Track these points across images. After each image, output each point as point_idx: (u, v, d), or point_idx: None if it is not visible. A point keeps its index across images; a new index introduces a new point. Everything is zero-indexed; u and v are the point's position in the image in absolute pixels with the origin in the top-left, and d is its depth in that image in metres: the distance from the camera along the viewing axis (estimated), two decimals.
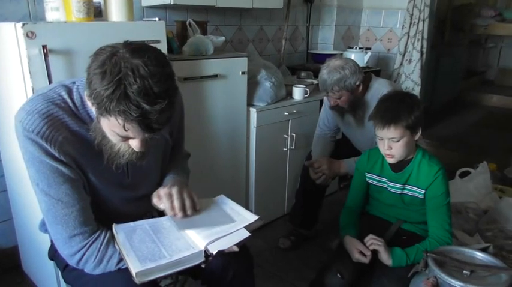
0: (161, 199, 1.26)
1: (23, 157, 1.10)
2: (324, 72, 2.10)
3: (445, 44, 5.53)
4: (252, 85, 2.57)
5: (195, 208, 1.27)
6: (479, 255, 1.47)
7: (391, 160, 1.65)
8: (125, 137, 1.06)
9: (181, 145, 1.56)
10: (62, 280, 1.42)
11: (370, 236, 1.61)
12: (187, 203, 1.25)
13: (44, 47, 1.53)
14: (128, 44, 1.02)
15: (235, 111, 2.49)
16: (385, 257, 1.56)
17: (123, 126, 0.99)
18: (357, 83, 2.11)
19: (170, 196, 1.25)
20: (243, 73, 2.46)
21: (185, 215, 1.23)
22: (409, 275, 1.50)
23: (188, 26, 2.38)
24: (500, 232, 2.29)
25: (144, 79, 0.95)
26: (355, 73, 2.09)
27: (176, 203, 1.23)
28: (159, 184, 1.37)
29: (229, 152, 2.56)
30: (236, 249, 1.18)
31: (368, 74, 2.29)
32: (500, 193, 2.79)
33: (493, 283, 1.34)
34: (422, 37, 3.66)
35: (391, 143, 1.59)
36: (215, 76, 2.30)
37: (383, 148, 1.63)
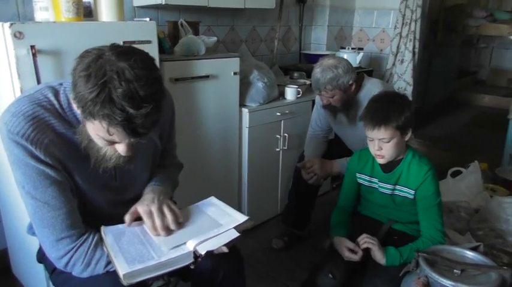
0: (133, 215, 1.23)
1: (8, 159, 1.09)
2: (317, 71, 2.10)
3: (437, 45, 5.56)
4: (245, 85, 2.57)
5: (177, 221, 1.24)
6: (470, 254, 1.48)
7: (381, 161, 1.66)
8: (111, 141, 1.05)
9: (171, 151, 1.53)
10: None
11: (364, 235, 1.61)
12: (170, 218, 1.22)
13: (32, 47, 1.52)
14: (114, 47, 1.00)
15: (227, 112, 2.49)
16: (379, 256, 1.57)
17: (108, 131, 0.98)
18: (350, 82, 2.11)
19: (150, 214, 1.22)
20: (235, 73, 2.45)
21: (169, 233, 1.20)
22: (401, 275, 1.50)
23: (180, 26, 2.37)
24: (491, 231, 2.30)
25: (130, 83, 0.93)
26: (348, 72, 2.09)
27: (158, 222, 1.20)
28: None
29: (221, 152, 2.55)
30: (225, 250, 1.17)
31: (361, 73, 2.29)
32: (491, 192, 2.80)
33: (483, 281, 1.34)
34: (415, 37, 3.68)
35: (381, 143, 1.59)
36: (207, 77, 2.29)
37: (373, 148, 1.63)
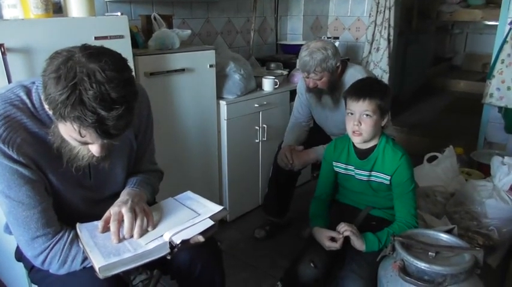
0: (106, 222, 1.19)
1: None
2: (305, 54, 2.10)
3: (412, 32, 5.61)
4: (221, 78, 2.57)
5: (148, 224, 1.21)
6: (444, 237, 1.52)
7: (357, 139, 1.68)
8: (83, 142, 1.05)
9: (150, 156, 1.51)
10: None
11: (343, 223, 1.64)
12: (140, 219, 1.18)
13: (1, 45, 1.49)
14: (85, 48, 1.00)
15: (204, 105, 2.48)
16: (358, 244, 1.59)
17: (79, 132, 0.98)
18: (338, 64, 2.14)
19: (119, 215, 1.18)
20: (211, 66, 2.44)
21: (131, 237, 1.17)
22: (378, 259, 1.53)
23: (153, 20, 2.35)
24: (466, 213, 2.36)
25: (101, 84, 0.93)
26: (336, 54, 2.13)
27: (126, 223, 1.16)
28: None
29: (200, 146, 2.55)
30: (202, 239, 1.17)
31: (344, 59, 2.32)
32: (467, 176, 2.86)
33: (457, 263, 1.38)
34: (389, 25, 3.70)
35: (361, 118, 1.62)
36: (182, 70, 2.28)
37: (352, 123, 1.65)
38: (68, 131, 1.02)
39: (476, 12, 6.10)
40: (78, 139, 1.03)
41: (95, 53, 0.98)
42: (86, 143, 1.06)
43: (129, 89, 0.99)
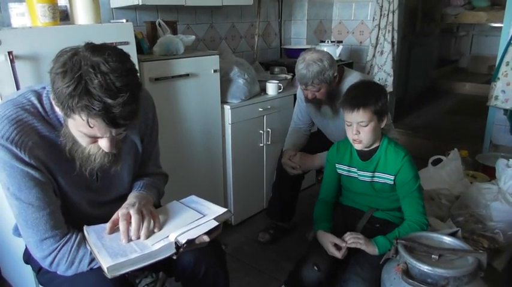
0: (114, 223, 1.21)
1: None
2: (302, 67, 2.11)
3: (416, 34, 5.60)
4: (225, 83, 2.59)
5: (155, 225, 1.23)
6: (447, 239, 1.52)
7: (358, 146, 1.69)
8: (93, 136, 1.07)
9: (155, 159, 1.53)
10: None
11: (348, 233, 1.65)
12: (147, 220, 1.21)
13: (9, 53, 1.53)
14: (88, 44, 1.05)
15: (209, 110, 2.50)
16: (370, 250, 1.60)
17: (88, 122, 1.00)
18: (335, 74, 2.14)
19: (127, 216, 1.20)
20: (215, 71, 2.46)
21: (138, 238, 1.19)
22: (381, 262, 1.54)
23: (158, 26, 2.38)
24: (471, 216, 2.35)
25: (105, 75, 0.97)
26: (333, 65, 2.13)
27: (133, 224, 1.18)
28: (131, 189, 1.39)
29: (205, 150, 2.57)
30: (207, 239, 1.20)
31: (341, 66, 2.32)
32: (472, 178, 2.86)
33: (460, 265, 1.38)
34: (393, 28, 3.71)
35: (359, 127, 1.64)
36: (187, 75, 2.30)
37: (351, 133, 1.67)
38: (77, 126, 1.05)
39: (481, 15, 6.09)
40: (87, 133, 1.05)
41: (98, 48, 1.03)
42: (95, 139, 1.09)
43: (132, 78, 1.03)
